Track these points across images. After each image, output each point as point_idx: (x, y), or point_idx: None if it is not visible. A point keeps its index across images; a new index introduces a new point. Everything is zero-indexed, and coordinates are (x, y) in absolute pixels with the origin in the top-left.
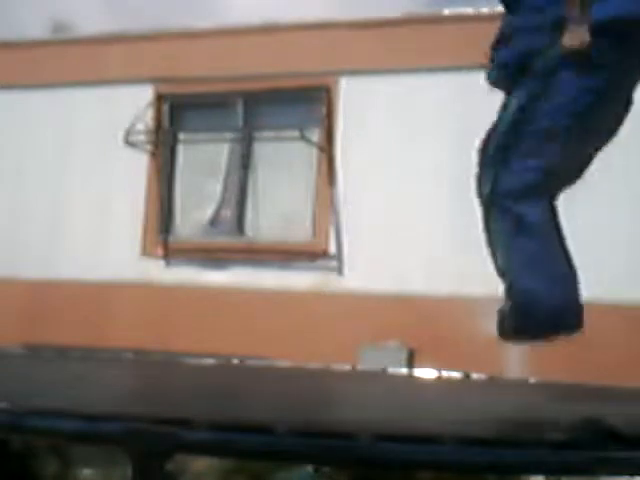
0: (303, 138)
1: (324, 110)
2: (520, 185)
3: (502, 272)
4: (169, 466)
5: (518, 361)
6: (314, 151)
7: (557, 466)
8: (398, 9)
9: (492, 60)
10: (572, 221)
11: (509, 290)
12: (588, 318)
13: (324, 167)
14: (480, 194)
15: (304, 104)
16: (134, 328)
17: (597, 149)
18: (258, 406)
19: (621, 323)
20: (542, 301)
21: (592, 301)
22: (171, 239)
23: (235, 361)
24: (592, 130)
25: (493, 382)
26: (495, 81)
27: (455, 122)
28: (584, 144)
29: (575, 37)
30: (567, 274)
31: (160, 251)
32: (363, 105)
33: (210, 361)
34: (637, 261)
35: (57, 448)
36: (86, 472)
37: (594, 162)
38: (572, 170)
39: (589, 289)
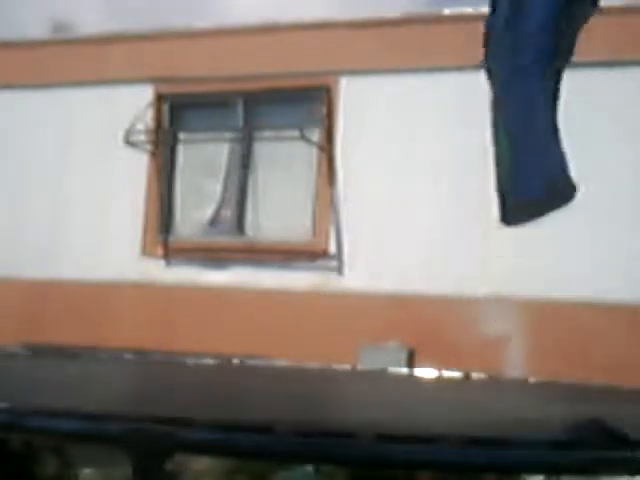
0: (303, 138)
1: (324, 110)
2: (528, 53)
3: (503, 151)
4: (169, 466)
5: (518, 361)
6: (314, 151)
7: (557, 466)
8: (398, 9)
9: None
10: (573, 221)
11: (509, 169)
12: (588, 318)
13: (324, 167)
14: (489, 69)
15: (304, 104)
16: (134, 328)
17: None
18: (258, 406)
19: (621, 323)
20: (539, 177)
21: (592, 301)
22: (171, 239)
23: (235, 361)
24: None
25: (493, 382)
26: None
27: (455, 122)
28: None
29: None
30: (558, 149)
31: (160, 251)
32: (363, 105)
33: (210, 361)
34: (637, 261)
35: (57, 448)
36: (86, 472)
37: (595, 166)
38: (565, 42)
39: (590, 289)
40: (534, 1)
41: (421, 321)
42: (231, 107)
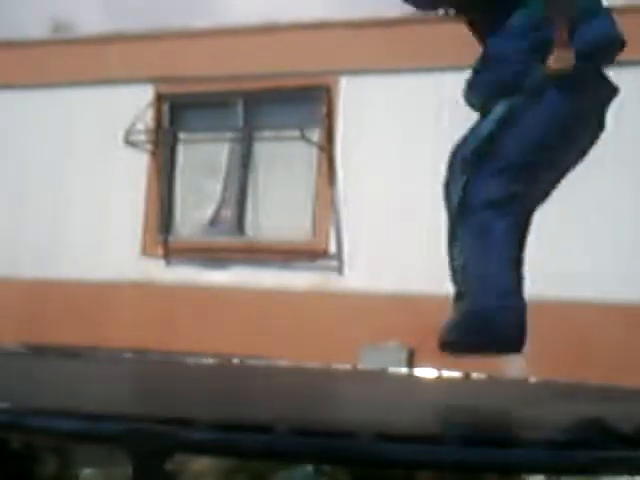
0: (303, 138)
1: (324, 110)
2: (489, 197)
3: (459, 281)
4: (169, 466)
5: (518, 361)
6: (314, 151)
7: (557, 466)
8: (398, 9)
9: (471, 83)
10: (573, 222)
11: (462, 300)
12: (588, 318)
13: (324, 167)
14: (448, 204)
15: (304, 104)
16: (134, 328)
17: (569, 169)
18: (258, 406)
19: (621, 323)
20: (495, 317)
21: (592, 301)
22: (171, 239)
23: (235, 361)
24: (568, 152)
25: (493, 382)
26: (473, 102)
27: (455, 122)
28: (556, 168)
29: (561, 60)
30: (519, 292)
31: (160, 251)
32: (363, 105)
33: (210, 361)
34: (637, 261)
35: (57, 448)
36: (86, 472)
37: (595, 166)
38: (543, 190)
39: (590, 289)
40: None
41: (421, 321)
42: (231, 107)
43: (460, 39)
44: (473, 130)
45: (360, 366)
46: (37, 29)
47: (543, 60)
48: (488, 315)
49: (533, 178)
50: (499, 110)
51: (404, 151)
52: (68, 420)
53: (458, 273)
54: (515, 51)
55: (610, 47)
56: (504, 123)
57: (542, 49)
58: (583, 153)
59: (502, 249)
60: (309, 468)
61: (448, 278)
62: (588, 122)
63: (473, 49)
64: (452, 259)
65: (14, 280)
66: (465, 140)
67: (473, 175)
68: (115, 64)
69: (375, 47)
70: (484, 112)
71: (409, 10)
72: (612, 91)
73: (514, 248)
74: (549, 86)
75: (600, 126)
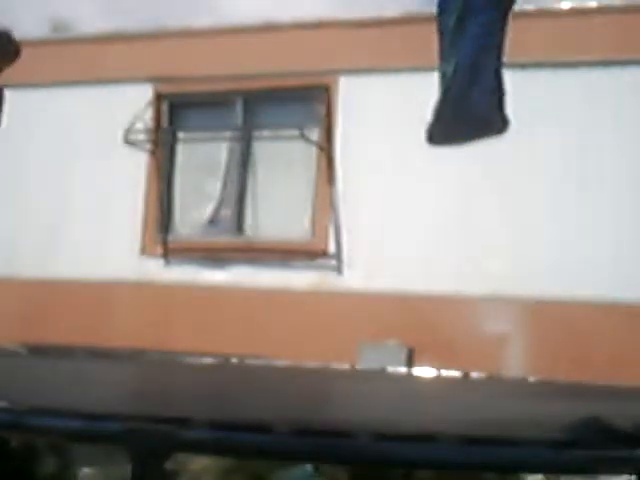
0: (303, 137)
1: (324, 109)
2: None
3: (447, 79)
4: (169, 465)
5: (517, 360)
6: (314, 150)
7: (557, 465)
8: (397, 8)
9: None
10: (573, 222)
11: (446, 93)
12: (588, 318)
13: (324, 166)
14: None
15: (304, 103)
16: (133, 327)
17: None
18: (257, 405)
19: (621, 323)
20: (477, 104)
21: (592, 301)
22: (171, 238)
23: (235, 361)
24: None
25: (492, 381)
26: None
27: None
28: None
29: None
30: (500, 89)
31: (159, 250)
32: (363, 105)
33: (210, 361)
34: (637, 261)
35: (57, 447)
36: (86, 471)
37: (595, 166)
38: None
39: (590, 289)
40: None
41: (421, 321)
42: (230, 106)
43: None
44: None
45: (360, 365)
46: (36, 29)
47: None
48: (467, 95)
49: None
50: None
51: (404, 150)
52: (68, 419)
53: (447, 75)
54: None
55: None
56: None
57: None
58: None
59: (493, 60)
60: (308, 468)
61: (448, 278)
62: None
63: None
64: (445, 66)
65: (14, 280)
66: None
67: None
68: (115, 64)
69: (375, 47)
70: None
71: (409, 9)
72: None
73: (499, 60)
74: None
75: None
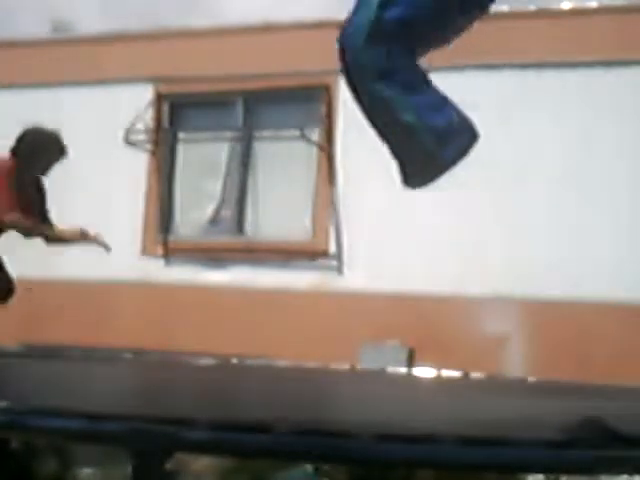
0: (303, 137)
1: (324, 109)
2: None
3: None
4: (169, 465)
5: (517, 360)
6: (314, 150)
7: (557, 465)
8: None
9: None
10: (573, 222)
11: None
12: (588, 318)
13: (324, 166)
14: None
15: (304, 103)
16: (134, 328)
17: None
18: (257, 405)
19: (621, 323)
20: (450, 132)
21: (592, 301)
22: (171, 238)
23: (235, 361)
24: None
25: (492, 381)
26: None
27: None
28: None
29: None
30: (444, 100)
31: (160, 250)
32: None
33: (210, 361)
34: (637, 261)
35: (57, 448)
36: (86, 471)
37: (595, 166)
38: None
39: (590, 289)
40: None
41: (421, 321)
42: (231, 106)
43: (459, 39)
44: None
45: (360, 366)
46: (37, 29)
47: None
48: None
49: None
50: None
51: None
52: (68, 419)
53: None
54: None
55: None
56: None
57: None
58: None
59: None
60: (308, 468)
61: (448, 278)
62: None
63: (471, 49)
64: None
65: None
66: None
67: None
68: (115, 64)
69: None
70: None
71: None
72: None
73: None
74: None
75: None
